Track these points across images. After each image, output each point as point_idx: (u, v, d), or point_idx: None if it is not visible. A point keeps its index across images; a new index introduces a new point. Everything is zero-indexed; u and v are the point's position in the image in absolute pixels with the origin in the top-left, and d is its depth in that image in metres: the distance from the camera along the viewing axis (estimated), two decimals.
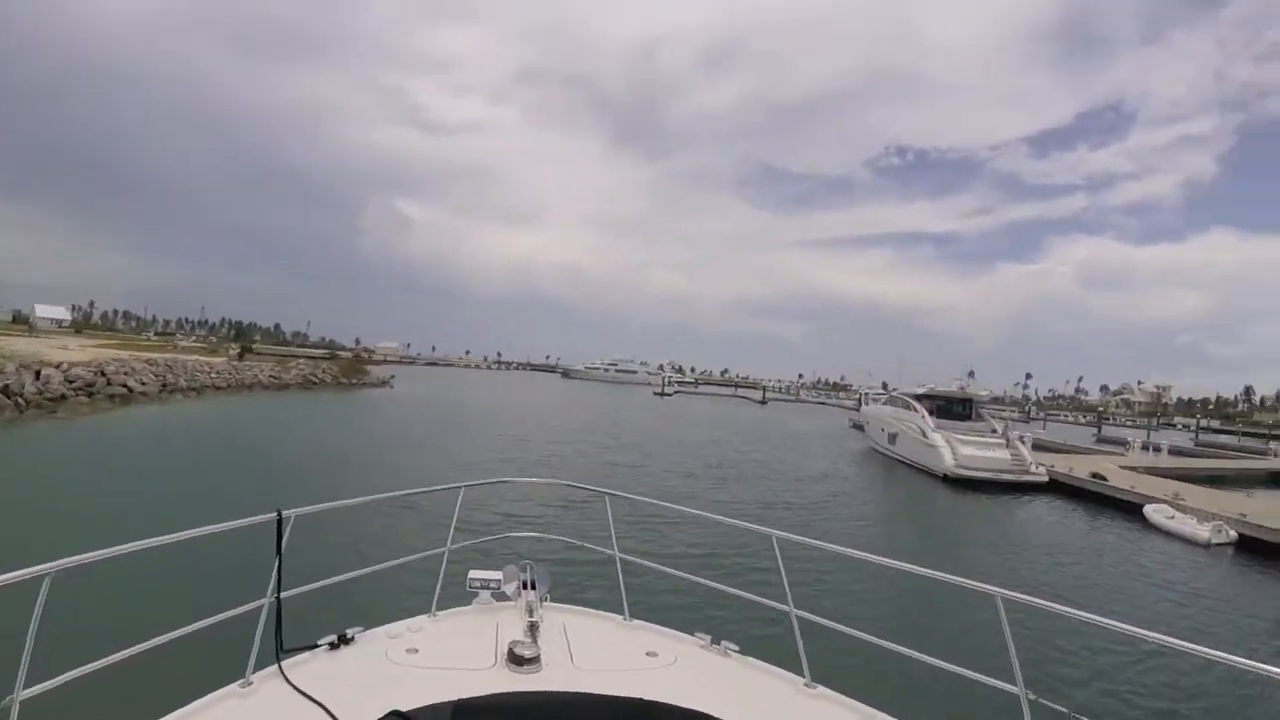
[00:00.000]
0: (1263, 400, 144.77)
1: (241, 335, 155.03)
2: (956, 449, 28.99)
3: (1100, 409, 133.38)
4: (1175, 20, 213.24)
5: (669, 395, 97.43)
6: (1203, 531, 19.64)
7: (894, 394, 41.68)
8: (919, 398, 35.25)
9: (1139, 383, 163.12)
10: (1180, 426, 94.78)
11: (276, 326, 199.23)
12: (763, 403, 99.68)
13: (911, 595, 11.46)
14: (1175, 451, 42.45)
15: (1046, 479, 27.93)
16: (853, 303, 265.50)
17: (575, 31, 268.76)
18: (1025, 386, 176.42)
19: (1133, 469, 31.15)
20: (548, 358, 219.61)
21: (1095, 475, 27.36)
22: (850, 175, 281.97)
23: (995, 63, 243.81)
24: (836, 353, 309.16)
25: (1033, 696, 2.92)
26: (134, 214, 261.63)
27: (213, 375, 51.64)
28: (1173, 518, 21.12)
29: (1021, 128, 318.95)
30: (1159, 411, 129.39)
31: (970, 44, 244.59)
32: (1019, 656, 2.98)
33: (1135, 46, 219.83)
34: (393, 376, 77.40)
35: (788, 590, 3.84)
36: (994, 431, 32.35)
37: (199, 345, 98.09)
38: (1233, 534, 19.47)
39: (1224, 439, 67.90)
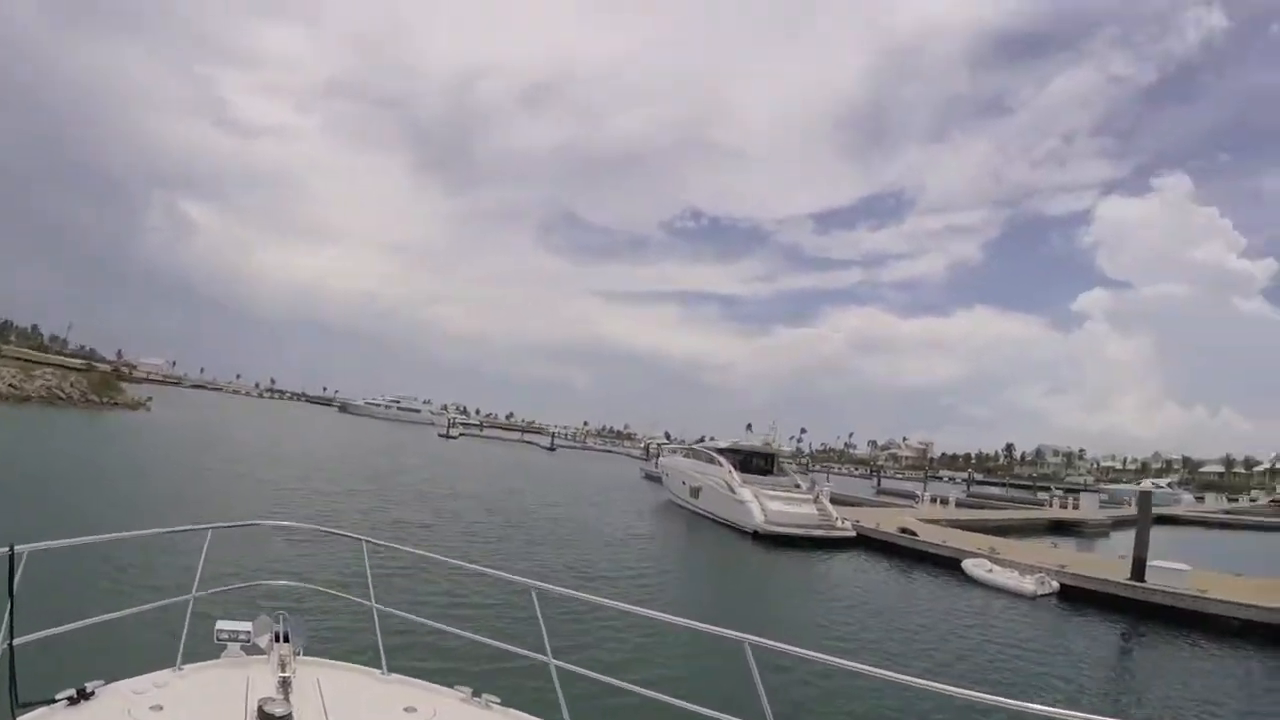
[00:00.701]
0: (1023, 455, 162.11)
1: None
2: (765, 505, 28.19)
3: (870, 462, 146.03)
4: (963, 123, 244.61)
5: (454, 438, 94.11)
6: (1028, 584, 20.03)
7: (694, 446, 41.06)
8: (723, 451, 34.42)
9: (904, 438, 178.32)
10: (946, 479, 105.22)
11: (34, 328, 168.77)
12: (551, 449, 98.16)
13: (668, 644, 11.49)
14: (960, 504, 44.85)
15: (854, 534, 27.81)
16: (637, 354, 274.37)
17: (397, 49, 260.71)
18: (799, 440, 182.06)
19: (934, 521, 32.00)
20: (325, 389, 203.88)
21: (904, 530, 27.31)
22: (648, 233, 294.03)
23: (792, 142, 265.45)
24: (620, 401, 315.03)
25: None
26: None
27: None
28: (991, 571, 21.38)
29: (809, 204, 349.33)
30: (926, 465, 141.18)
31: (772, 121, 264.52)
32: (770, 699, 3.09)
33: (923, 142, 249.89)
34: (149, 398, 67.25)
35: (546, 641, 3.85)
36: (798, 486, 32.15)
37: None
38: (1055, 584, 20.14)
39: (992, 490, 75.30)
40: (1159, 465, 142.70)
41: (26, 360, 72.32)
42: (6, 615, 3.01)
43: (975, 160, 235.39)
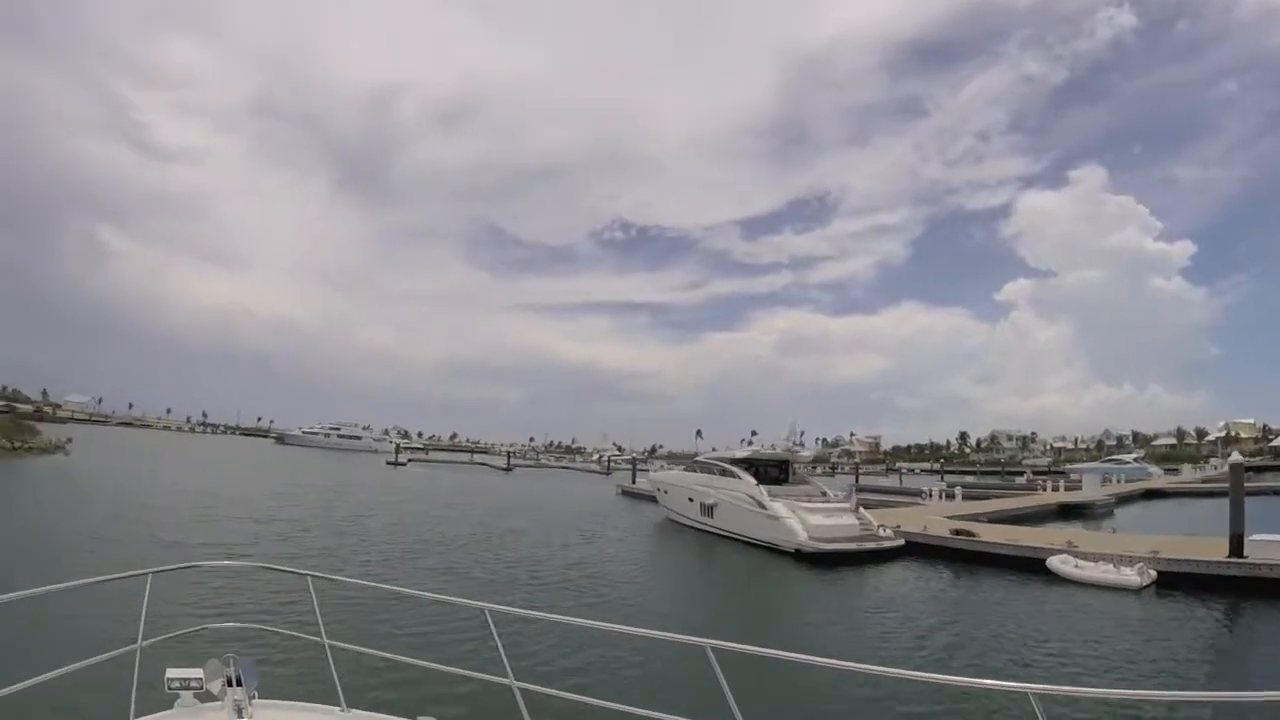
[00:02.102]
0: (978, 442, 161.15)
1: None
2: (805, 519, 25.04)
3: (825, 459, 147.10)
4: (880, 126, 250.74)
5: (404, 464, 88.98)
6: (1131, 576, 18.77)
7: (702, 459, 37.26)
8: (740, 462, 31.20)
9: (851, 434, 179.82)
10: (906, 471, 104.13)
11: None
12: (508, 469, 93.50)
13: (629, 654, 11.42)
14: (966, 496, 42.12)
15: (902, 542, 24.88)
16: (570, 367, 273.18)
17: (310, 66, 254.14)
18: (750, 443, 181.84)
19: (960, 517, 29.60)
20: (259, 420, 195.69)
21: (958, 532, 24.80)
22: (574, 245, 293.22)
23: (714, 151, 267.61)
24: (557, 415, 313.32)
25: None
26: None
27: None
28: (1079, 566, 19.89)
29: (733, 211, 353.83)
30: (883, 459, 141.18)
31: (692, 133, 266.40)
32: (736, 699, 3.16)
33: (842, 146, 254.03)
34: (69, 440, 61.99)
35: (505, 663, 3.87)
36: (824, 495, 29.33)
37: None
38: (1152, 573, 19.10)
39: (968, 479, 72.47)
40: (1111, 443, 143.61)
41: None
42: None
43: (894, 162, 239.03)
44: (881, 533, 25.47)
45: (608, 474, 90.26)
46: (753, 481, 28.61)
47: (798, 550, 24.16)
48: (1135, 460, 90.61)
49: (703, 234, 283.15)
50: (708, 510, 30.49)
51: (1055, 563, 20.48)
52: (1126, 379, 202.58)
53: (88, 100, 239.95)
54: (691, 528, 31.75)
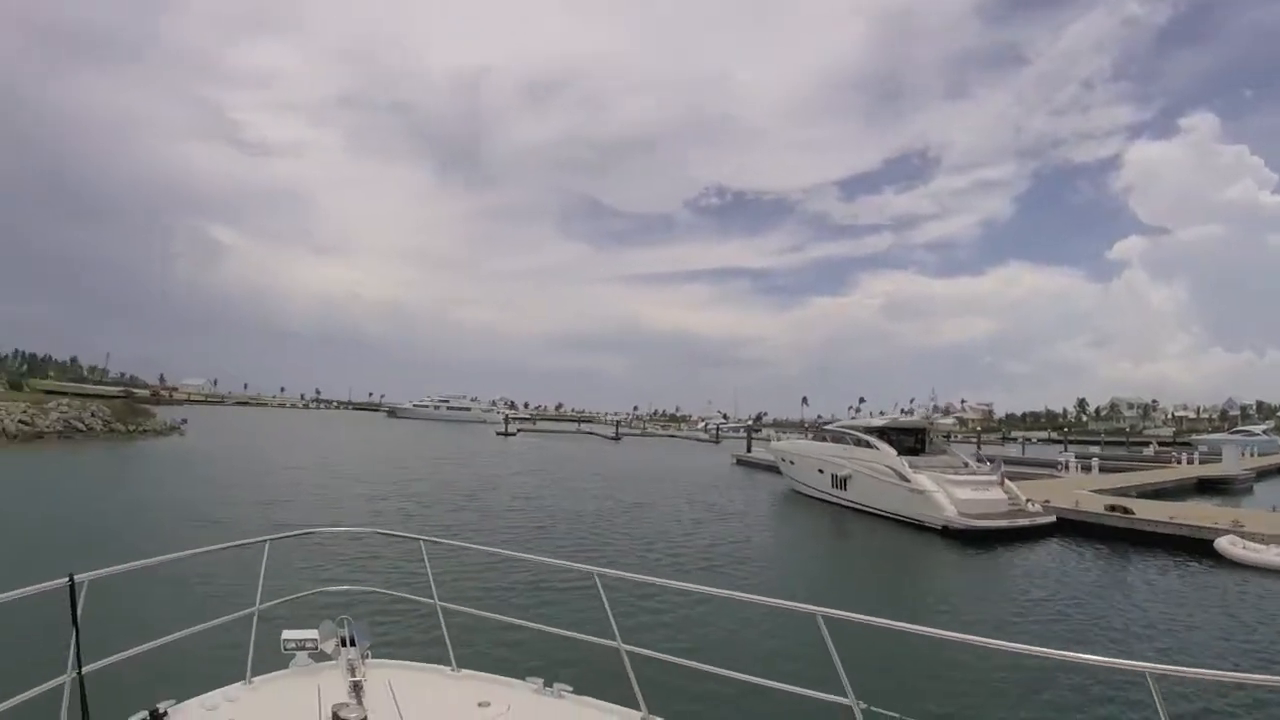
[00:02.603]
0: (1097, 410, 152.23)
1: (34, 370, 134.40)
2: (953, 493, 23.33)
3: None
4: (979, 77, 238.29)
5: (513, 434, 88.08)
6: None
7: (833, 427, 35.10)
8: (874, 431, 29.44)
9: (962, 401, 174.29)
10: (1021, 440, 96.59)
11: (73, 360, 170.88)
12: (616, 439, 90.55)
13: (735, 620, 11.37)
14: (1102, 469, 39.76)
15: (1053, 519, 22.87)
16: (671, 335, 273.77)
17: (399, 56, 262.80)
18: (858, 411, 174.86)
19: (1106, 491, 27.68)
20: (370, 395, 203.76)
21: (1114, 509, 22.78)
22: (672, 214, 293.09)
23: (807, 111, 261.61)
24: (658, 383, 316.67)
25: (865, 705, 3.08)
26: None
27: None
28: (1248, 548, 18.13)
29: (832, 172, 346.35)
30: (997, 427, 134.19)
31: (782, 93, 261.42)
32: (846, 670, 3.09)
33: (940, 99, 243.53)
34: (184, 421, 61.72)
35: (614, 626, 3.83)
36: (966, 465, 27.37)
37: None
38: None
39: (1092, 449, 66.30)
40: (1234, 412, 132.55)
41: (53, 392, 68.50)
42: (73, 644, 2.98)
43: (997, 114, 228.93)
44: (1030, 508, 23.57)
45: (717, 442, 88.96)
46: (893, 452, 26.84)
47: (945, 527, 22.52)
48: (1264, 432, 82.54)
49: (801, 196, 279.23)
50: (840, 482, 29.00)
51: (1224, 544, 18.66)
52: (1246, 344, 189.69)
53: (184, 107, 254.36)
54: (821, 500, 30.35)
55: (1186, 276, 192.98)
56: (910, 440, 29.45)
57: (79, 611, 3.04)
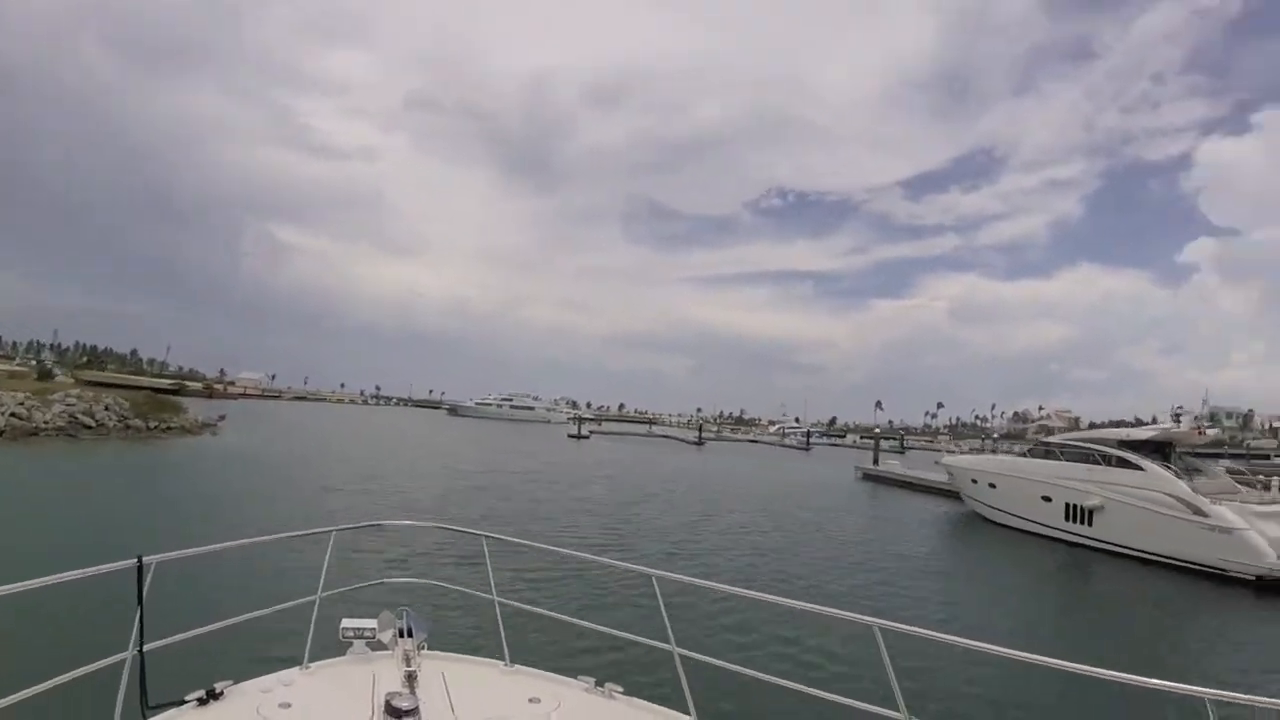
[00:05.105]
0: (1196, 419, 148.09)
1: (94, 362, 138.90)
2: (1267, 531, 18.89)
3: (1020, 435, 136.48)
4: (1048, 72, 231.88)
5: (586, 438, 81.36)
6: None
7: (1059, 439, 28.90)
8: (1128, 446, 24.02)
9: (1040, 408, 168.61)
10: None
11: (133, 353, 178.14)
12: (700, 444, 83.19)
13: (791, 629, 11.28)
14: None
15: None
16: (733, 337, 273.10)
17: (468, 61, 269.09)
18: (934, 416, 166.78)
19: None
20: (431, 392, 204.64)
21: None
22: (733, 215, 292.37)
23: (873, 110, 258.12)
24: (719, 385, 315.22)
25: None
26: None
27: None
28: None
29: (897, 172, 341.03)
30: None
31: (849, 92, 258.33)
32: (900, 683, 3.03)
33: (1008, 96, 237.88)
34: (221, 418, 56.43)
35: (669, 629, 3.85)
36: (1239, 491, 22.17)
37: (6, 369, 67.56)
38: None
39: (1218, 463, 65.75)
40: None
41: (95, 383, 59.90)
42: (137, 622, 3.10)
43: (1066, 110, 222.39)
44: None
45: (807, 449, 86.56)
46: (1171, 475, 21.79)
47: (1259, 579, 18.22)
48: None
49: (865, 196, 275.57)
50: (1082, 515, 23.77)
51: None
52: None
53: (257, 112, 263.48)
54: (1038, 536, 25.05)
55: (1260, 280, 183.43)
56: (1157, 458, 23.73)
57: (144, 592, 3.16)
